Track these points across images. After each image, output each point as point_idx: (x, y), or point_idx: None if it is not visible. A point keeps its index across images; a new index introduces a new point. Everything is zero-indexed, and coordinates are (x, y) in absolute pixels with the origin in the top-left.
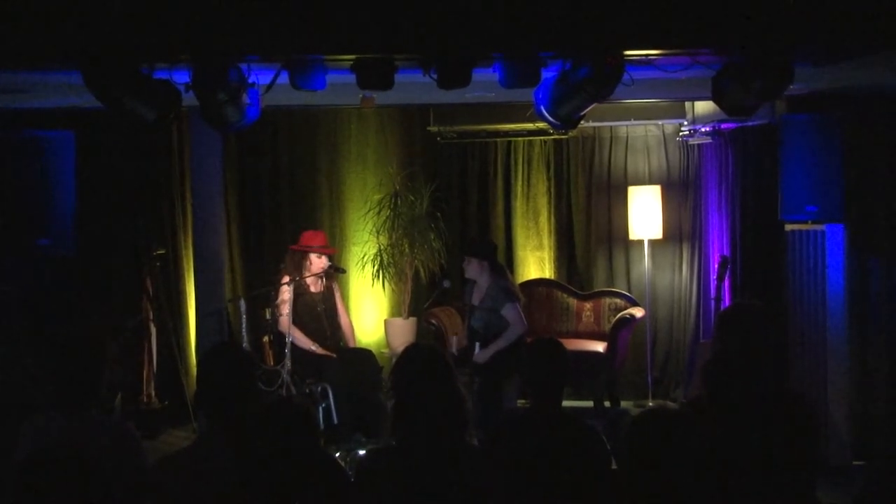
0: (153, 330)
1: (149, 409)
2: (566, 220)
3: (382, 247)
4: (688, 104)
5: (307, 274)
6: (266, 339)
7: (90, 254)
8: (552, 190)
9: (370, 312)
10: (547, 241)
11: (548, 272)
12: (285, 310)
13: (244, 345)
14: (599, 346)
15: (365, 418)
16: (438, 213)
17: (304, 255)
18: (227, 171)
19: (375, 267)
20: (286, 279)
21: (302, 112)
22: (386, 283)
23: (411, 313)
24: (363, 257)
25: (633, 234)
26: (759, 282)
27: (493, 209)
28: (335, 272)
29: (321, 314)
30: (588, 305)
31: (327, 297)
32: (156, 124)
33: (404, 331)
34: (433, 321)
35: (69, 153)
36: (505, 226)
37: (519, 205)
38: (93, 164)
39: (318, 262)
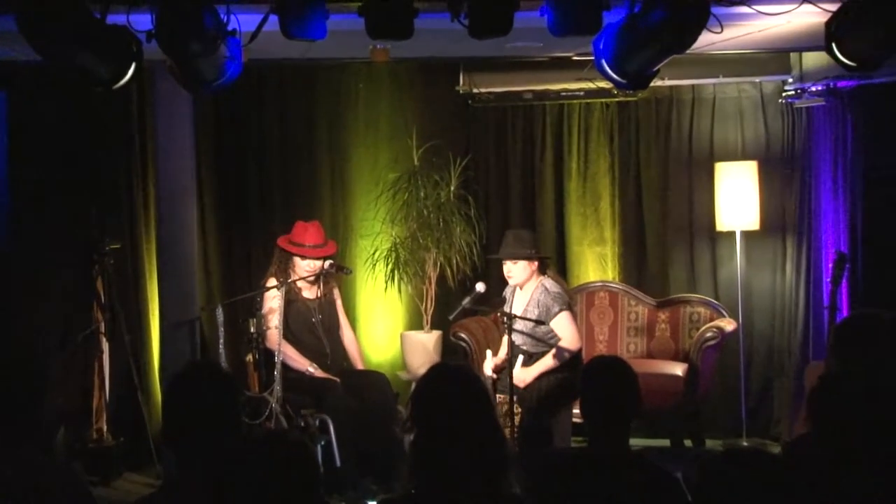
0: (105, 345)
1: (100, 448)
2: (634, 206)
3: (398, 240)
4: (793, 56)
5: (301, 275)
6: (250, 357)
7: (24, 248)
8: (616, 168)
9: (382, 324)
10: (609, 233)
11: (610, 273)
12: (274, 321)
13: (222, 365)
14: (678, 369)
15: (376, 459)
16: (470, 198)
17: (292, 254)
18: (201, 144)
19: (389, 266)
20: (274, 282)
21: (296, 69)
22: (403, 287)
23: (435, 325)
24: (373, 254)
25: (722, 224)
26: (887, 285)
27: (540, 192)
28: (337, 273)
29: (319, 327)
30: (663, 316)
31: (326, 304)
32: (110, 84)
33: (426, 348)
34: (463, 335)
35: None
36: (556, 214)
37: (574, 187)
38: (28, 133)
39: (310, 263)
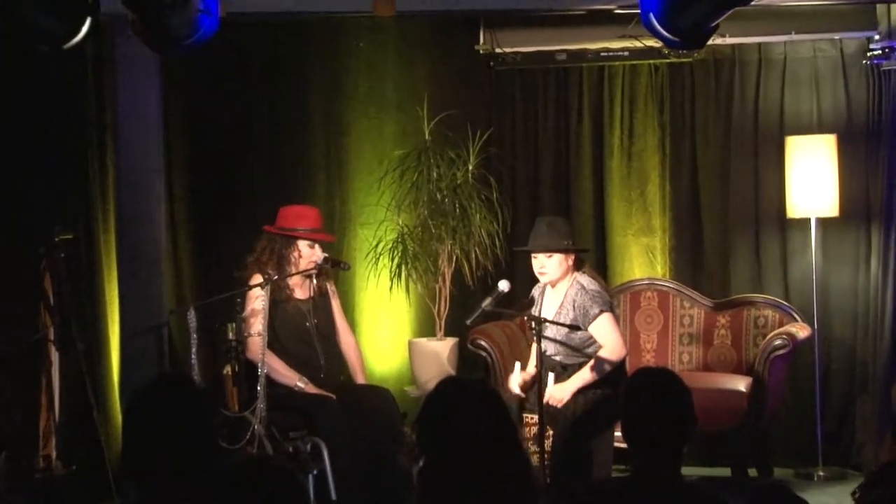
0: (55, 356)
1: (48, 478)
2: (689, 189)
3: (406, 230)
4: (881, 8)
5: (291, 271)
6: (228, 369)
7: None
8: (667, 143)
9: (387, 330)
10: (659, 220)
11: (660, 268)
12: (257, 326)
13: (195, 378)
14: (741, 384)
15: (378, 492)
16: (492, 179)
17: (285, 242)
18: (171, 116)
19: (395, 261)
20: (258, 279)
21: (285, 25)
22: (411, 286)
23: (450, 332)
24: (376, 246)
25: (794, 211)
26: None
27: (576, 173)
28: (334, 269)
29: (313, 332)
30: (723, 320)
31: (321, 306)
32: (59, 43)
33: (439, 358)
34: (483, 344)
35: None
36: (594, 198)
37: (616, 166)
38: None
39: (307, 254)
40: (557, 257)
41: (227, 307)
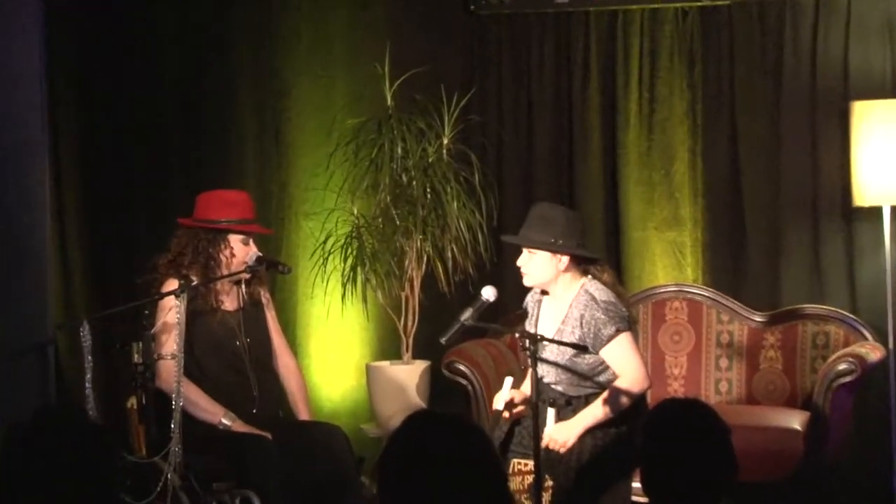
0: None
1: None
2: (727, 168)
3: (363, 222)
4: None
5: (231, 271)
6: (133, 402)
7: None
8: (698, 110)
9: (338, 351)
10: (688, 209)
11: (690, 272)
12: (171, 345)
13: (89, 413)
14: (794, 420)
15: None
16: (473, 157)
17: (212, 238)
18: (57, 78)
19: (349, 262)
20: (173, 284)
21: None
22: (370, 294)
23: (420, 353)
24: (325, 242)
25: (863, 197)
26: None
27: (581, 148)
28: (269, 271)
29: (242, 354)
30: (771, 339)
31: (253, 320)
32: None
33: (404, 387)
34: (462, 368)
35: None
36: (606, 181)
37: (633, 139)
38: None
39: (241, 253)
40: (541, 256)
41: (131, 321)
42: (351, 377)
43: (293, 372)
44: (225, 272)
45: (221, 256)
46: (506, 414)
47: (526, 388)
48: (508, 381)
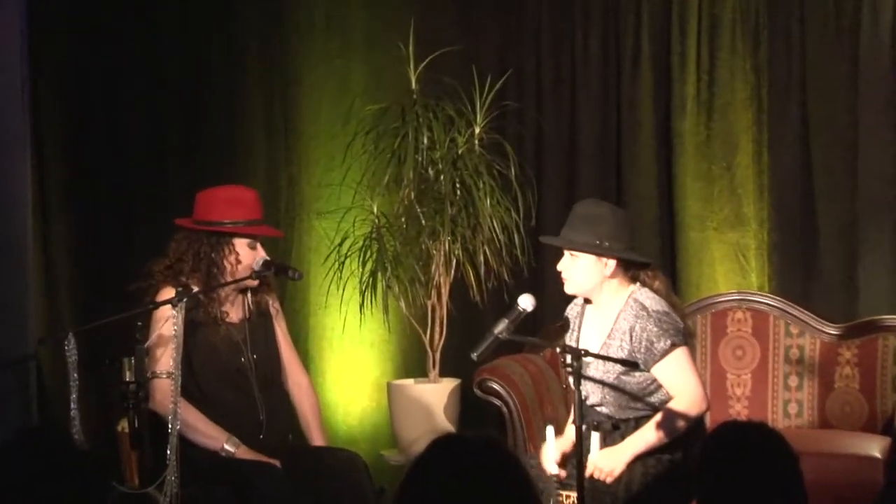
0: None
1: None
2: (798, 161)
3: (384, 222)
4: None
5: (234, 278)
6: (124, 426)
7: None
8: (764, 94)
9: (356, 368)
10: (753, 207)
11: (755, 277)
12: (166, 361)
13: (75, 437)
14: (873, 447)
15: None
16: (508, 147)
17: (216, 242)
18: (42, 65)
19: (368, 266)
20: (168, 292)
21: None
22: (392, 303)
23: (448, 370)
24: (340, 245)
25: None
26: None
27: (630, 137)
28: (278, 276)
29: (248, 372)
30: (848, 354)
31: (261, 333)
32: None
33: (430, 408)
34: (496, 386)
35: None
36: (659, 174)
37: (690, 127)
38: None
39: (248, 258)
40: (585, 260)
41: (122, 334)
42: (370, 397)
43: (305, 391)
44: (229, 279)
45: (226, 263)
46: (562, 473)
47: (563, 415)
48: (550, 432)
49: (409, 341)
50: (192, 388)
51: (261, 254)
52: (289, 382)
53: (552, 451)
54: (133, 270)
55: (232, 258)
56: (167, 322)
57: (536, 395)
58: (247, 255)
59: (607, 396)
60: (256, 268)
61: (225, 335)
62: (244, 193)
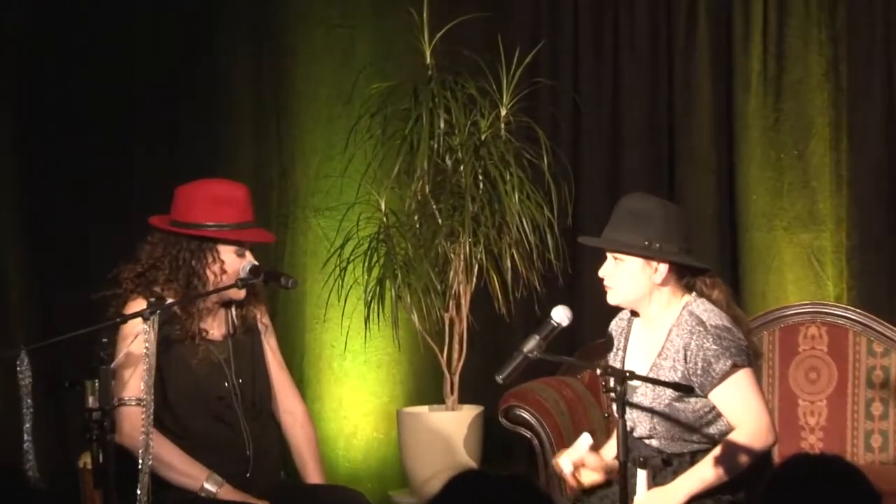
0: None
1: None
2: (881, 149)
3: (392, 221)
4: None
5: (217, 287)
6: (85, 461)
7: None
8: (842, 70)
9: (361, 393)
10: (829, 203)
11: (831, 286)
12: (135, 386)
13: (29, 472)
14: None
15: None
16: (540, 132)
17: (197, 248)
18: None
19: (374, 273)
20: (138, 303)
21: None
22: (402, 316)
23: (468, 395)
24: (342, 247)
25: None
26: None
27: (685, 120)
28: (269, 285)
29: (232, 397)
30: None
31: (247, 351)
32: None
33: (449, 440)
34: (526, 415)
35: None
36: (718, 164)
37: (755, 108)
38: None
39: (234, 266)
40: (632, 264)
41: (84, 352)
42: (377, 428)
43: (300, 421)
44: (212, 288)
45: (208, 272)
46: (570, 478)
47: (611, 448)
48: (585, 438)
49: (423, 361)
50: (167, 417)
51: (249, 261)
52: (280, 410)
53: (577, 451)
54: (95, 277)
55: (216, 267)
56: (137, 339)
57: (573, 424)
58: (233, 264)
59: (657, 427)
60: (243, 274)
61: (204, 355)
62: (232, 190)
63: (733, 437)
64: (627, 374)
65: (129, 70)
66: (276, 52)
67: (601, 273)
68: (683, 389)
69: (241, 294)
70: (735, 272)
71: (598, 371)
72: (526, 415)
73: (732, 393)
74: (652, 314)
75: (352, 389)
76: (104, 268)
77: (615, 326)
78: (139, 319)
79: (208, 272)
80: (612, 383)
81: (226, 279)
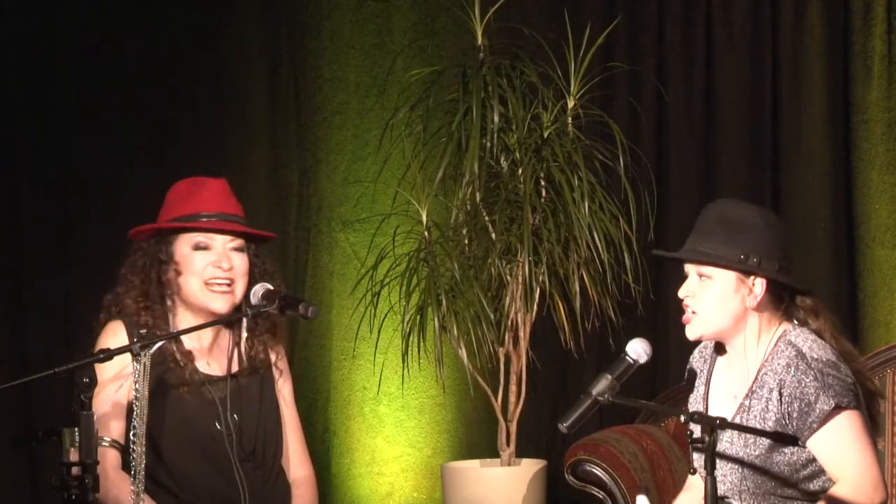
0: None
1: None
2: None
3: (436, 236)
4: None
5: (168, 307)
6: None
7: None
8: None
9: (399, 443)
10: None
11: None
12: (115, 430)
13: None
14: None
15: None
16: (616, 129)
17: (154, 248)
18: None
19: (415, 300)
20: (115, 330)
21: None
22: (447, 350)
23: (527, 447)
24: (375, 267)
25: None
26: None
27: (792, 113)
28: (286, 317)
29: (223, 439)
30: None
31: (252, 395)
32: None
33: (504, 499)
34: (596, 470)
35: None
36: (833, 168)
37: (876, 100)
38: None
39: (198, 266)
40: (722, 281)
41: (61, 393)
42: (418, 486)
43: (305, 482)
44: (175, 302)
45: (169, 274)
46: None
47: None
48: (642, 501)
49: (474, 406)
50: (158, 468)
51: (234, 263)
52: (290, 466)
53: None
54: (76, 306)
55: (171, 273)
56: (118, 382)
57: (654, 482)
58: (191, 263)
59: (747, 480)
60: (254, 300)
61: (196, 389)
62: (201, 182)
63: (834, 492)
64: (718, 421)
65: (120, 56)
66: (295, 30)
67: (682, 293)
68: (788, 441)
69: (248, 327)
70: (852, 298)
71: (683, 418)
72: (597, 470)
73: (833, 440)
74: (740, 344)
75: (387, 440)
76: (89, 291)
77: (696, 361)
78: (130, 353)
79: (169, 274)
80: (697, 432)
81: (186, 282)
